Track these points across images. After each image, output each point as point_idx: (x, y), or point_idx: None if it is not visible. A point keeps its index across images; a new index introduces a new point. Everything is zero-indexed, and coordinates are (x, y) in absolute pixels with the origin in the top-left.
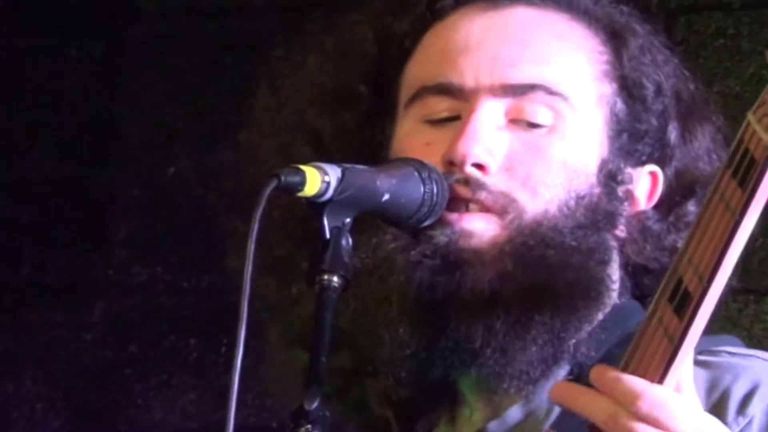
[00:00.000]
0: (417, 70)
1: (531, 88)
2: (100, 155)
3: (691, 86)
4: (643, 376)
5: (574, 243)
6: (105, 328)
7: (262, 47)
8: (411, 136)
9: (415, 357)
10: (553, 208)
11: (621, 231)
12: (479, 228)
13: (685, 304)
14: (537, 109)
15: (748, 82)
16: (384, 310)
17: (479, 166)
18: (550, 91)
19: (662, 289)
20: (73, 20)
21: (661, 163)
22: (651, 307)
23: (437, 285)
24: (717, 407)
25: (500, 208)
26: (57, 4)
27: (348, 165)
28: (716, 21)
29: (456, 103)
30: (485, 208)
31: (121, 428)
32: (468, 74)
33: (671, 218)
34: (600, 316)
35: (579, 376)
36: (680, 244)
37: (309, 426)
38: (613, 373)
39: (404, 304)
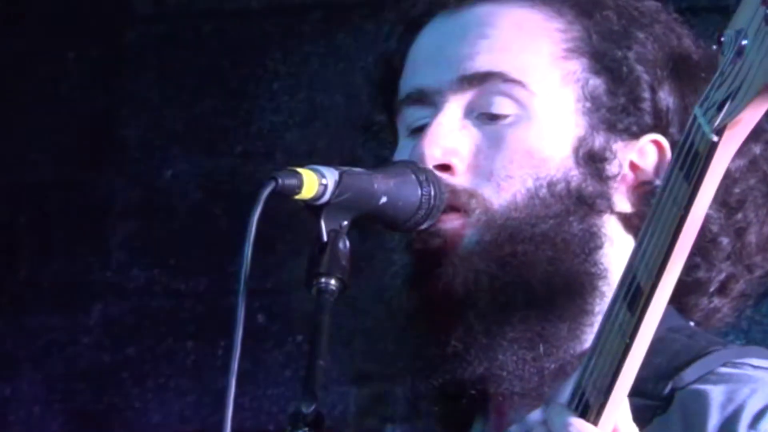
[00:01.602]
0: (399, 87)
1: (487, 76)
2: (98, 158)
3: (691, 45)
4: (600, 372)
5: (546, 235)
6: (102, 331)
7: (260, 50)
8: (400, 151)
9: (410, 369)
10: (521, 199)
11: (625, 207)
12: (446, 228)
13: (636, 300)
14: (496, 100)
15: None
16: (378, 331)
17: (443, 167)
18: (506, 79)
19: (619, 285)
20: (70, 23)
21: (663, 131)
22: (610, 304)
23: (417, 291)
24: (730, 420)
25: (464, 204)
26: (54, 7)
27: (345, 168)
28: (714, 24)
29: (427, 109)
30: (452, 208)
31: (119, 431)
32: (430, 76)
33: None
34: (598, 308)
35: None
36: None
37: (306, 429)
38: (557, 410)
39: (393, 319)
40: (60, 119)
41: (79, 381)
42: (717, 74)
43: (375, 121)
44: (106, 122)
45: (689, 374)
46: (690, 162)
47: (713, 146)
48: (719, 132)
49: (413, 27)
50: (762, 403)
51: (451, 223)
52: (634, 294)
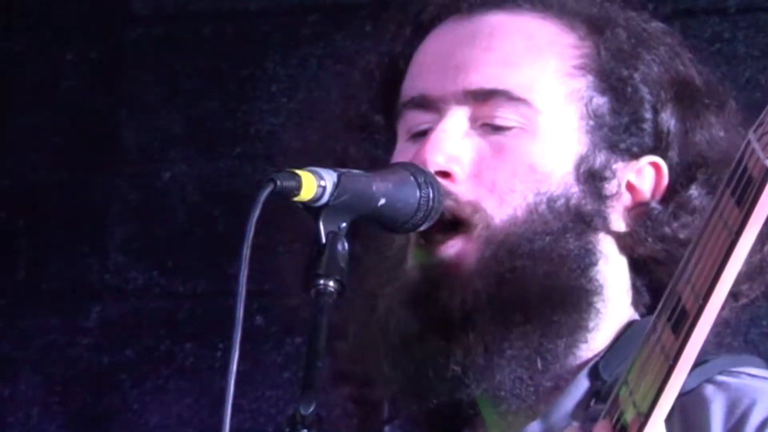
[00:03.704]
0: (402, 89)
1: (492, 93)
2: (96, 160)
3: (695, 72)
4: (638, 392)
5: (543, 251)
6: (101, 333)
7: (258, 52)
8: (399, 154)
9: (406, 391)
10: (521, 214)
11: (620, 227)
12: (448, 255)
13: (681, 323)
14: (501, 113)
15: (744, 87)
16: (371, 352)
17: (444, 174)
18: (510, 97)
19: (662, 307)
20: (69, 24)
21: (662, 153)
22: (651, 325)
23: (414, 315)
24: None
25: (468, 218)
26: (52, 8)
27: (344, 170)
28: (712, 26)
29: (430, 115)
30: (454, 220)
31: None
32: (435, 84)
33: (671, 207)
34: (593, 324)
35: (597, 393)
36: (681, 234)
37: (305, 430)
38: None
39: (388, 342)
40: (58, 120)
41: (77, 383)
42: None
43: (372, 121)
44: (104, 124)
45: (687, 382)
46: (743, 187)
47: None
48: None
49: (422, 30)
50: (763, 415)
51: (453, 248)
52: (679, 316)
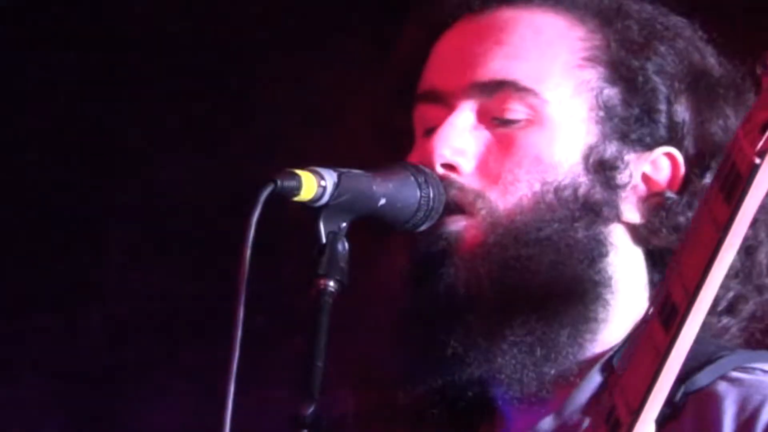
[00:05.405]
0: (418, 87)
1: (499, 85)
2: (97, 160)
3: (714, 63)
4: (632, 386)
5: (550, 239)
6: (102, 333)
7: (259, 52)
8: (414, 150)
9: (413, 372)
10: (526, 203)
11: (634, 218)
12: (450, 230)
13: (671, 318)
14: (509, 106)
15: None
16: (381, 333)
17: (450, 167)
18: (518, 87)
19: (654, 302)
20: (68, 24)
21: (677, 144)
22: (643, 320)
23: (420, 295)
24: (744, 428)
25: (470, 204)
26: (54, 7)
27: (344, 170)
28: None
29: (440, 109)
30: (458, 207)
31: None
32: (445, 78)
33: (686, 196)
34: (602, 316)
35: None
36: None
37: (305, 431)
38: None
39: (396, 323)
40: (59, 121)
41: (78, 383)
42: (761, 97)
43: (393, 123)
44: (105, 124)
45: (701, 379)
46: (731, 183)
47: (755, 168)
48: (761, 154)
49: (436, 31)
50: None
51: (455, 224)
52: (670, 312)
